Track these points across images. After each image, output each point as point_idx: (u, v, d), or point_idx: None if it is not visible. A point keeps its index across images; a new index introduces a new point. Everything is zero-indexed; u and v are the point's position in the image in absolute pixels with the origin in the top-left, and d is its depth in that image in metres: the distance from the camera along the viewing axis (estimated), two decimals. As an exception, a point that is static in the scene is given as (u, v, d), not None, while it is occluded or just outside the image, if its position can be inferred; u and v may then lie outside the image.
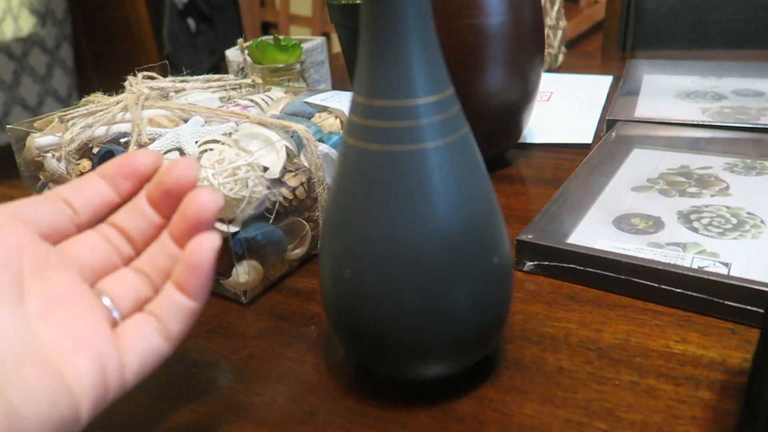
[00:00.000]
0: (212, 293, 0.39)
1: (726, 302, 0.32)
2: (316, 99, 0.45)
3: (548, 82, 0.74)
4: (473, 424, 0.27)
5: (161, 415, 0.29)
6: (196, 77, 0.49)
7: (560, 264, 0.37)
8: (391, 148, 0.25)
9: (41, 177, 0.45)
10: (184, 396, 0.31)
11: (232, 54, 0.70)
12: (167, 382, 0.32)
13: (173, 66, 0.50)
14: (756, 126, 0.54)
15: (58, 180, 0.43)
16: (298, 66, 0.62)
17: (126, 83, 0.45)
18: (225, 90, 0.49)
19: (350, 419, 0.28)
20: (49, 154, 0.43)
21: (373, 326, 0.26)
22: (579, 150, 0.56)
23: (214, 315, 0.37)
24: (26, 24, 2.00)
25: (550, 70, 0.80)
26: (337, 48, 1.32)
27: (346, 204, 0.26)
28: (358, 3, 0.58)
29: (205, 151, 0.37)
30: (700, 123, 0.56)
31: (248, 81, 0.50)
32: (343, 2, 0.59)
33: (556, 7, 0.77)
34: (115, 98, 0.44)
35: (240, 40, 0.64)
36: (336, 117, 0.44)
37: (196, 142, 0.38)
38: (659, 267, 0.34)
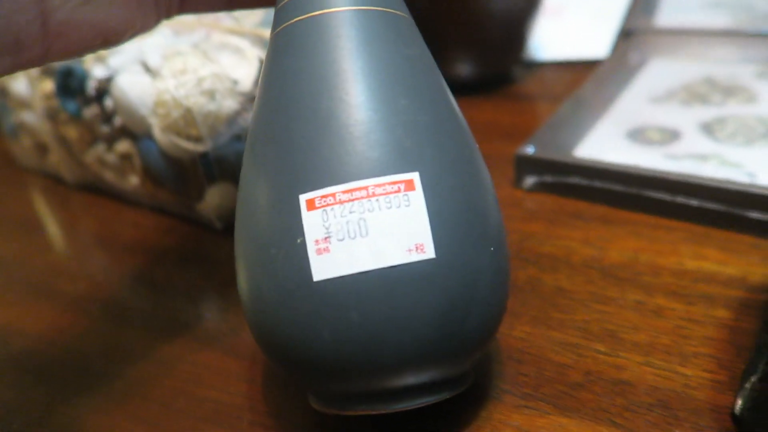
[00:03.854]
0: (185, 219, 0.36)
1: (749, 214, 0.28)
2: (297, 8, 0.41)
3: (562, -3, 0.68)
4: (457, 348, 0.24)
5: (125, 343, 0.27)
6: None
7: (564, 179, 0.33)
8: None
9: (9, 105, 0.42)
10: (149, 324, 0.28)
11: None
12: (133, 309, 0.29)
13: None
14: (791, 31, 0.49)
15: (25, 105, 0.41)
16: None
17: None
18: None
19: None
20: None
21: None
22: (593, 66, 0.51)
23: (187, 242, 0.34)
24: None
25: (564, -14, 0.74)
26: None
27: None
28: None
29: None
30: (727, 31, 0.51)
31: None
32: None
33: None
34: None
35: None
36: (318, 27, 0.40)
37: (162, 56, 0.35)
38: (674, 178, 0.30)
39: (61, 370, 0.26)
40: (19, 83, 0.40)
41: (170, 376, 0.25)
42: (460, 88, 0.48)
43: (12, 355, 0.27)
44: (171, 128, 0.32)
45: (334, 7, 0.18)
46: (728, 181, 0.29)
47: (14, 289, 0.32)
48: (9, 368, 0.27)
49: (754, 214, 0.28)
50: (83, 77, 0.35)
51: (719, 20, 0.54)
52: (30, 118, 0.41)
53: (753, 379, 0.19)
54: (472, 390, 0.22)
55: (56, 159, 0.41)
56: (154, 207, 0.38)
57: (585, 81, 0.44)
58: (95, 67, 0.35)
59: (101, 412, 0.24)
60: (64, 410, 0.24)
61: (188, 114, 0.31)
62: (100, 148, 0.37)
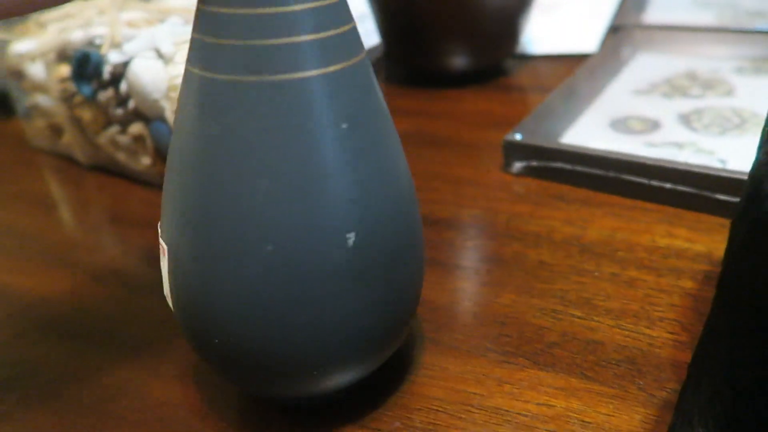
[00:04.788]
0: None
1: (717, 196, 0.31)
2: None
3: (555, -7, 0.70)
4: (446, 313, 0.27)
5: (139, 308, 0.30)
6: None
7: (549, 164, 0.35)
8: (254, 78, 0.17)
9: (24, 88, 0.44)
10: (161, 293, 0.30)
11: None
12: (145, 279, 0.32)
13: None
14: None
15: (40, 88, 0.43)
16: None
17: (105, -13, 0.44)
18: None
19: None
20: (31, 62, 0.42)
21: (238, 341, 0.19)
22: (583, 60, 0.53)
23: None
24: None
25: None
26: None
27: (188, 160, 0.19)
28: None
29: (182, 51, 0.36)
30: (710, 28, 0.53)
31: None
32: None
33: None
34: (92, 1, 0.42)
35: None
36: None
37: (173, 43, 0.37)
38: (649, 163, 0.32)
39: (82, 331, 0.28)
40: (36, 67, 0.42)
41: (181, 336, 0.27)
42: (455, 80, 0.50)
43: (35, 318, 0.30)
44: (182, 111, 0.34)
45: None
46: (699, 166, 0.31)
47: (34, 261, 0.34)
48: (33, 329, 0.29)
49: (722, 197, 0.30)
50: (99, 62, 0.37)
51: (705, 17, 0.57)
52: (44, 100, 0.43)
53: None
54: (458, 347, 0.24)
55: (70, 140, 0.43)
56: (164, 186, 0.40)
57: (574, 73, 0.46)
58: (111, 53, 0.37)
59: (120, 367, 0.26)
60: (86, 365, 0.26)
61: (199, 98, 0.33)
62: (113, 130, 0.40)
